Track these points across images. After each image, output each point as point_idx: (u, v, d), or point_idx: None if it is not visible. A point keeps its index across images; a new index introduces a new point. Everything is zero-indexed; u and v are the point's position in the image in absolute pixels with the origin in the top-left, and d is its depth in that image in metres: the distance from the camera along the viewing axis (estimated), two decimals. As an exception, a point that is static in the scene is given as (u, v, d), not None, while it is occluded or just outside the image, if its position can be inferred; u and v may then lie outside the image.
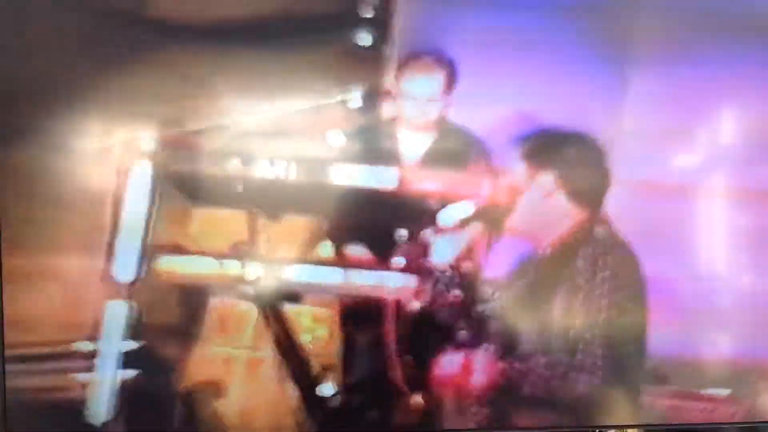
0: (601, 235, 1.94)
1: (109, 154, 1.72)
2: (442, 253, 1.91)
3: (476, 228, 1.94)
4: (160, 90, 1.77)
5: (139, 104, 1.74)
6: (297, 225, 1.90)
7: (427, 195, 1.93)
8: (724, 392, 1.98)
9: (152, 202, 1.75)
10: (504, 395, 1.92)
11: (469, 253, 1.94)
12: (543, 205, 1.94)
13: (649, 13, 1.95)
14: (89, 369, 1.74)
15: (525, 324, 1.93)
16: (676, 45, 1.96)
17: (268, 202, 1.87)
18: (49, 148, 1.70)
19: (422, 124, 1.94)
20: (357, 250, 1.93)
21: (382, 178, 1.92)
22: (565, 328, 1.93)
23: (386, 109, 1.93)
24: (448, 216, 1.91)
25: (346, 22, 1.91)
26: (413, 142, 1.94)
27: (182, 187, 1.79)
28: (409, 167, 1.93)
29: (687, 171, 1.99)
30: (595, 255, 1.94)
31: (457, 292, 1.91)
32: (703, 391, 1.98)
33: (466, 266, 1.93)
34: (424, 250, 1.92)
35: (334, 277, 1.91)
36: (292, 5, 1.86)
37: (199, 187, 1.80)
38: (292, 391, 1.88)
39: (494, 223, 1.92)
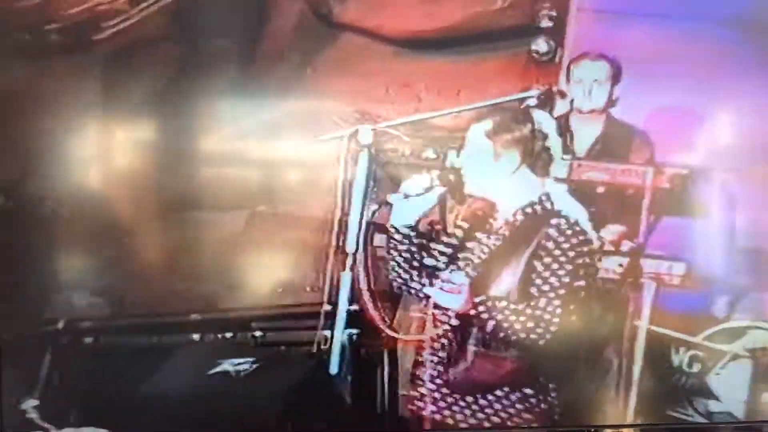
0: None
1: (338, 145, 2.06)
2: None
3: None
4: (370, 91, 2.10)
5: (356, 104, 2.09)
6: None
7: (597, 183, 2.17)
8: None
9: (368, 186, 2.08)
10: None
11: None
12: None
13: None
14: (329, 327, 2.08)
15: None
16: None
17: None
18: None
19: (590, 113, 2.19)
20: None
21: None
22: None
23: (559, 107, 2.21)
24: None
25: (526, 33, 2.20)
26: (583, 135, 2.20)
27: (389, 173, 2.11)
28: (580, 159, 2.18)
29: None
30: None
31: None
32: None
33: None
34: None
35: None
36: (482, 19, 2.16)
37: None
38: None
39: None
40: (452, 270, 2.04)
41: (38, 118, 2.00)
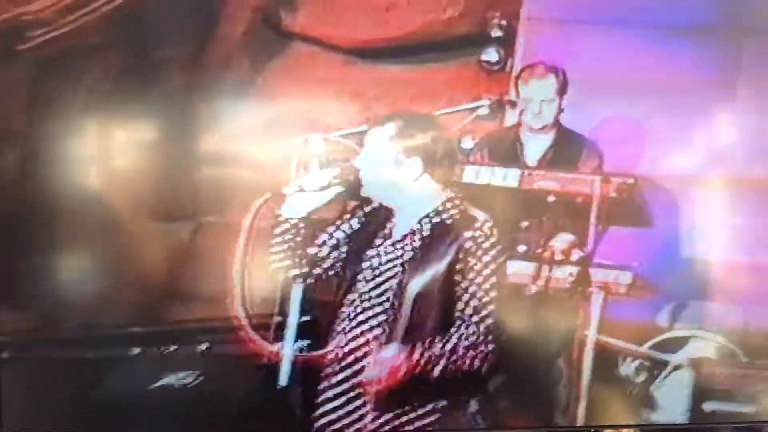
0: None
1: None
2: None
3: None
4: (320, 100, 2.09)
5: (306, 112, 2.08)
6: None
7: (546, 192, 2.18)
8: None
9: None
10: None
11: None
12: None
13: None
14: (278, 339, 2.03)
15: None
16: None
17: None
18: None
19: (540, 127, 2.21)
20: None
21: (506, 177, 2.18)
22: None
23: (509, 117, 2.22)
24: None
25: (476, 42, 2.20)
26: (534, 145, 2.21)
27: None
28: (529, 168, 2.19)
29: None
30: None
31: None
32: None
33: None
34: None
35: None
36: (432, 28, 2.16)
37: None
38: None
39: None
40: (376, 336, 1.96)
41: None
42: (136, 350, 2.05)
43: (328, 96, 2.09)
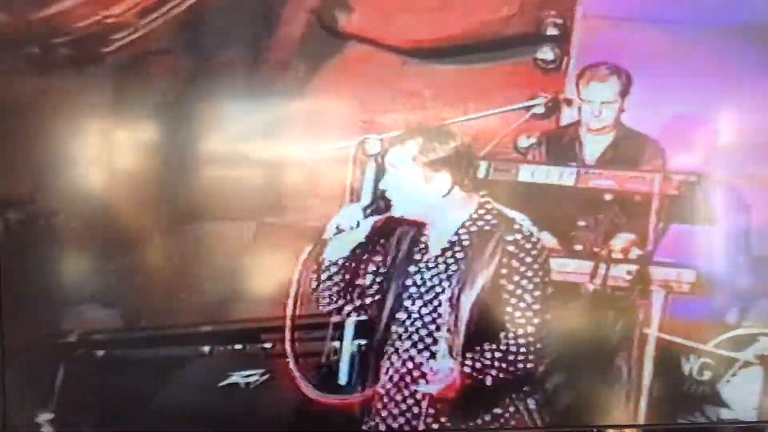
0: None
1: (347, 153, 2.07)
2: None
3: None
4: (376, 101, 2.11)
5: (362, 113, 2.10)
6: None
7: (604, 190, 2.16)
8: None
9: (375, 195, 2.08)
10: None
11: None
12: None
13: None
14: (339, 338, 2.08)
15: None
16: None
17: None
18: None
19: (599, 128, 2.19)
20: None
21: (562, 175, 2.17)
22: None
23: (567, 115, 2.21)
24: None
25: (531, 41, 2.20)
26: (593, 144, 2.20)
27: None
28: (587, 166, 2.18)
29: None
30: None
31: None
32: None
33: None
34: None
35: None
36: (488, 27, 2.16)
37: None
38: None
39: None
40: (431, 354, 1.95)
41: (49, 132, 2.02)
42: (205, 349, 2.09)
43: (383, 97, 2.10)
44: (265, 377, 2.08)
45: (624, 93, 2.17)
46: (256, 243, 2.10)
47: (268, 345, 2.10)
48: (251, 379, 2.08)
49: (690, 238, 2.14)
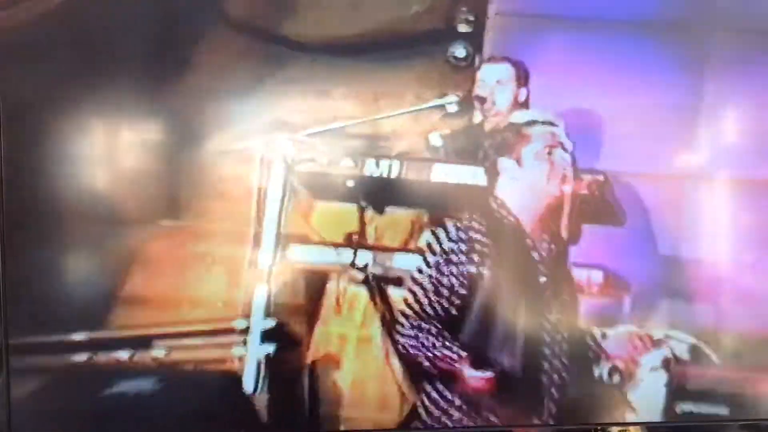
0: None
1: (252, 154, 1.98)
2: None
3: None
4: (286, 99, 2.03)
5: (272, 111, 2.00)
6: (400, 217, 2.13)
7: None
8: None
9: (284, 197, 2.01)
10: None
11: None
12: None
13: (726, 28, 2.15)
14: (242, 344, 2.00)
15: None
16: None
17: (375, 196, 2.10)
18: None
19: (495, 117, 2.16)
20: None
21: (475, 175, 2.14)
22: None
23: (478, 113, 2.18)
24: None
25: (444, 38, 2.15)
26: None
27: (305, 183, 2.04)
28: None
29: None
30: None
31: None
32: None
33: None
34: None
35: (431, 264, 2.12)
36: (398, 24, 2.10)
37: (319, 182, 2.05)
38: (396, 366, 2.10)
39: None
40: None
41: None
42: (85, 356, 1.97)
43: (293, 95, 2.02)
44: (157, 386, 1.98)
45: (520, 81, 2.16)
46: (152, 246, 1.99)
47: (160, 352, 2.01)
48: (139, 388, 1.97)
49: (599, 238, 2.14)
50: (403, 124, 2.13)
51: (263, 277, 1.99)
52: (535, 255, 2.08)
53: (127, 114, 1.97)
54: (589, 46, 2.16)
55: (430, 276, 2.04)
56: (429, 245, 2.06)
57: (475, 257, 2.04)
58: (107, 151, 1.97)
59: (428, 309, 2.04)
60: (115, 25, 1.94)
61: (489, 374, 2.03)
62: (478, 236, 2.06)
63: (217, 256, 1.97)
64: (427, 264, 2.05)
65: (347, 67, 2.07)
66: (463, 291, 2.04)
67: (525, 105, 2.17)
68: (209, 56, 1.97)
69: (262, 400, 2.00)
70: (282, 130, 2.00)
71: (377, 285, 2.10)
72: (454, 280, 2.04)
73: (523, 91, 2.17)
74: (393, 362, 2.09)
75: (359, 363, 2.08)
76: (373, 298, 2.10)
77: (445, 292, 2.03)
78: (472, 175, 2.13)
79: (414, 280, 2.06)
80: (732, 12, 2.16)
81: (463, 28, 2.16)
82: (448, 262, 2.04)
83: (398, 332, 2.05)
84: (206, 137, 1.97)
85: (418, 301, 2.05)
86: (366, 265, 2.10)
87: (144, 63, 1.97)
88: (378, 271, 2.10)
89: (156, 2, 1.99)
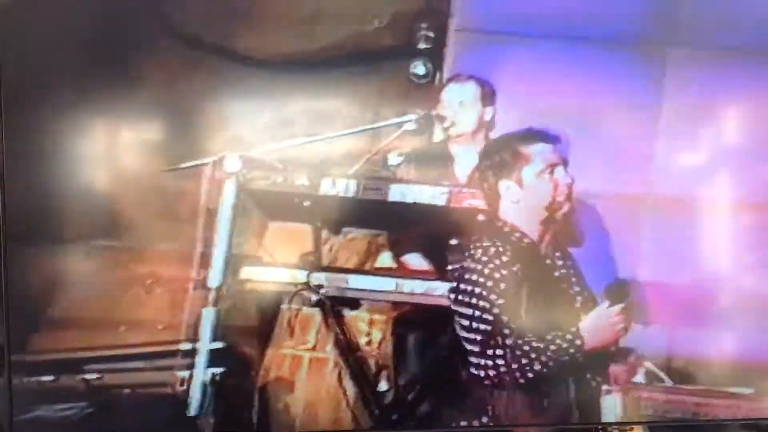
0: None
1: (201, 173, 1.91)
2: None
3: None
4: (240, 116, 1.97)
5: (225, 128, 1.95)
6: (357, 238, 2.09)
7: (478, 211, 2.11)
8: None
9: (234, 217, 1.95)
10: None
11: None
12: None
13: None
14: (188, 366, 1.94)
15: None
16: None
17: (330, 216, 2.06)
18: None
19: (458, 137, 2.13)
20: (413, 260, 2.13)
21: (435, 195, 2.11)
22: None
23: (438, 132, 2.14)
24: None
25: (404, 54, 2.11)
26: (464, 160, 2.14)
27: (258, 202, 1.99)
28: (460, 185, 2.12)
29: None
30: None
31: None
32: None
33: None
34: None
35: (387, 285, 2.09)
36: (358, 40, 2.06)
37: (273, 202, 2.00)
38: (350, 387, 2.07)
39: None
40: None
41: None
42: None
43: (248, 111, 1.97)
44: (86, 411, 1.92)
45: (485, 100, 2.13)
46: (88, 267, 1.92)
47: (92, 376, 1.94)
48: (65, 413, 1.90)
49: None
50: (361, 142, 2.08)
51: (212, 298, 1.94)
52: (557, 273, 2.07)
53: (66, 128, 1.90)
54: (553, 65, 2.14)
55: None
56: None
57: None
58: (44, 166, 1.89)
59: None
60: (58, 38, 1.86)
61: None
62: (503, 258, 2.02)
63: (159, 277, 1.91)
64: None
65: (304, 84, 2.02)
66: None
67: (491, 124, 2.14)
68: (158, 70, 1.91)
69: (207, 423, 1.95)
70: (235, 148, 1.95)
71: (332, 307, 2.06)
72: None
73: (489, 111, 2.13)
74: (346, 385, 2.06)
75: (312, 386, 2.04)
76: (326, 319, 2.06)
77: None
78: (431, 195, 2.09)
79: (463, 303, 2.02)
80: (694, 29, 2.15)
81: (422, 44, 2.13)
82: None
83: (472, 363, 2.01)
84: (153, 154, 1.91)
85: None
86: (320, 287, 2.06)
87: (88, 76, 1.90)
88: (333, 292, 2.07)
89: (105, 17, 1.91)
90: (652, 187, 2.17)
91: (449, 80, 2.13)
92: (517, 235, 2.05)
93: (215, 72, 1.93)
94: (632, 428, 2.15)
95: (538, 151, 2.04)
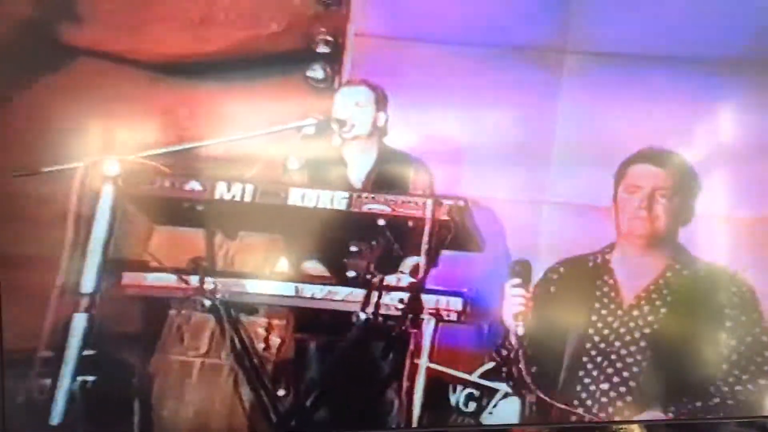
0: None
1: (74, 176, 1.89)
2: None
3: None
4: (124, 117, 1.97)
5: (104, 130, 1.94)
6: (254, 242, 2.07)
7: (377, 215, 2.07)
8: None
9: (113, 221, 1.91)
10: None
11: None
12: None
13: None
14: (51, 375, 1.87)
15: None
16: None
17: (226, 221, 2.03)
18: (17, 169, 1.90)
19: (354, 140, 2.11)
20: (311, 266, 2.09)
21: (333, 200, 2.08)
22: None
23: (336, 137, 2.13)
24: None
25: (302, 58, 2.11)
26: (358, 165, 2.12)
27: (143, 207, 1.96)
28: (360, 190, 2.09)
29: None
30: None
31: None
32: None
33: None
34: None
35: (287, 290, 2.05)
36: (254, 43, 2.06)
37: (160, 207, 1.97)
38: (246, 393, 2.02)
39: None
40: None
41: None
42: None
43: (126, 114, 1.97)
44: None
45: (378, 105, 2.11)
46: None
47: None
48: None
49: (458, 264, 2.08)
50: (258, 146, 2.07)
51: (84, 304, 1.90)
52: None
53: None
54: (451, 71, 2.13)
55: None
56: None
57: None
58: None
59: None
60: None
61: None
62: None
63: (18, 282, 1.88)
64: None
65: (196, 87, 2.02)
66: None
67: (384, 130, 2.12)
68: (36, 72, 1.92)
69: (72, 432, 1.89)
70: (116, 151, 1.93)
71: (227, 312, 2.03)
72: None
73: (381, 116, 2.12)
74: (242, 390, 2.01)
75: (204, 392, 2.00)
76: (221, 325, 2.02)
77: None
78: (329, 200, 2.06)
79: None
80: (590, 35, 2.13)
81: (321, 48, 2.13)
82: None
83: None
84: (20, 156, 1.90)
85: None
86: (214, 291, 2.02)
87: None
88: (229, 297, 2.03)
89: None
90: (552, 191, 2.13)
91: (341, 85, 2.12)
92: None
93: (92, 73, 1.93)
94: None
95: None
